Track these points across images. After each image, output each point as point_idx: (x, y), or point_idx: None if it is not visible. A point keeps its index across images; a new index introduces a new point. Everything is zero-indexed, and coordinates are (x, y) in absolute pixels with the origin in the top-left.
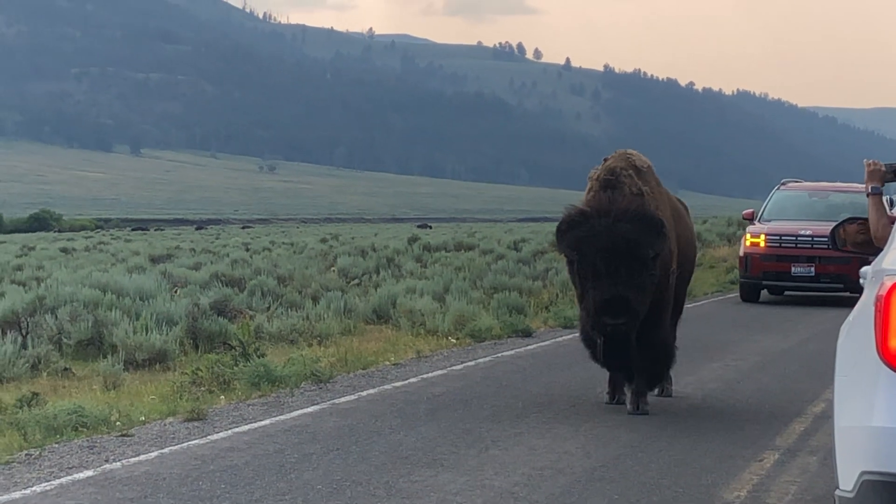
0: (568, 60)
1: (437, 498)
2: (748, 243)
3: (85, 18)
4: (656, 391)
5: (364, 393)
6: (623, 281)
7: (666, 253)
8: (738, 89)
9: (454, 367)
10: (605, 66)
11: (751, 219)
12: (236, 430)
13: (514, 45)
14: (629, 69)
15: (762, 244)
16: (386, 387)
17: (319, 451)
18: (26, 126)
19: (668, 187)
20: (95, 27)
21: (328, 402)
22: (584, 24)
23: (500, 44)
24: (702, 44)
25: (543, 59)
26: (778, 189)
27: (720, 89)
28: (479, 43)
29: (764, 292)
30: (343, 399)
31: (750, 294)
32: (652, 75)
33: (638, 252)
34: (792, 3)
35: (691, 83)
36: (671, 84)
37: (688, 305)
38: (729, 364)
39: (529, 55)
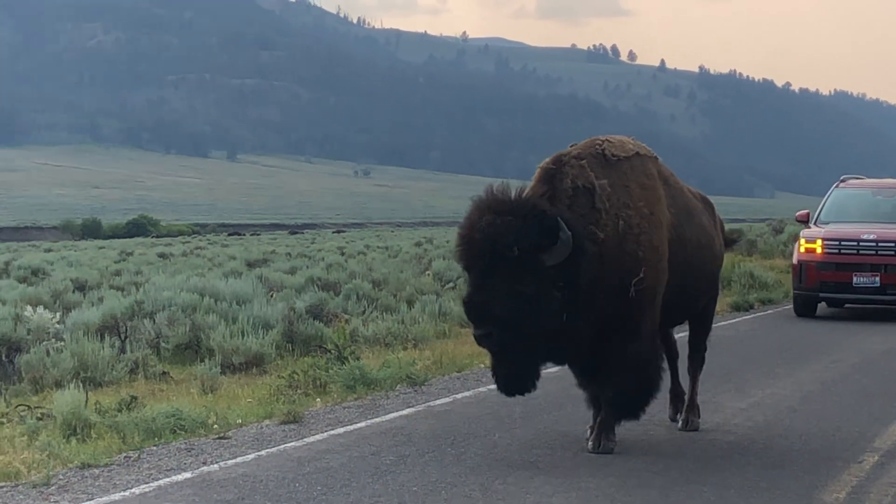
0: (662, 62)
1: (533, 499)
2: (802, 249)
3: (182, 26)
4: (679, 424)
5: (459, 395)
6: (481, 285)
7: (626, 262)
8: (835, 89)
9: (549, 370)
10: (700, 68)
11: (805, 221)
12: (332, 432)
13: (608, 47)
14: (724, 70)
15: (819, 251)
16: (481, 389)
17: (415, 454)
18: (125, 133)
19: (765, 188)
20: (192, 35)
21: (423, 405)
22: (678, 25)
23: (593, 46)
24: (798, 44)
25: (638, 61)
26: (836, 187)
27: (817, 89)
28: (573, 45)
29: (821, 305)
30: (438, 402)
31: (805, 307)
32: (748, 76)
33: (497, 251)
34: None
35: (788, 83)
36: (767, 85)
37: (785, 307)
38: (828, 366)
39: (623, 57)
